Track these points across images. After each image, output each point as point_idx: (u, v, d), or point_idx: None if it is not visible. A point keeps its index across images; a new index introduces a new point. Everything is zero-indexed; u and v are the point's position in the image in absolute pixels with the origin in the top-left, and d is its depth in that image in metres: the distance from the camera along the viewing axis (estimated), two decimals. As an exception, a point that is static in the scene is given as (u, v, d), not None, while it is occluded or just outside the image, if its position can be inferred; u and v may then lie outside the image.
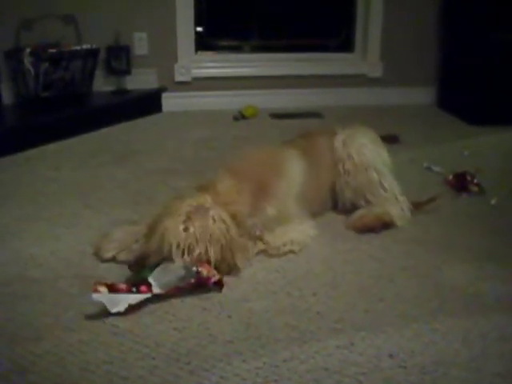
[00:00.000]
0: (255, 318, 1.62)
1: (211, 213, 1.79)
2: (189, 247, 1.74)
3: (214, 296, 1.71)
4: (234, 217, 1.85)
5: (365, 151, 2.29)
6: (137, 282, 1.67)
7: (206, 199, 1.83)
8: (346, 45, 4.33)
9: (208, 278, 1.71)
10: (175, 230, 1.74)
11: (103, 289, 1.60)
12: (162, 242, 1.74)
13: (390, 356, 1.47)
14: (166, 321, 1.59)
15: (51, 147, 3.16)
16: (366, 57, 4.25)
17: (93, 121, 3.51)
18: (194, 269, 1.70)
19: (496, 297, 1.76)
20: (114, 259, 1.92)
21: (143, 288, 1.65)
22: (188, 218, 1.76)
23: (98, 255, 1.94)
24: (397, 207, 2.25)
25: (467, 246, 2.10)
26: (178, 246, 1.73)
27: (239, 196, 1.92)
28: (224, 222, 1.81)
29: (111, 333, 1.54)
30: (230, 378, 1.37)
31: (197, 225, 1.76)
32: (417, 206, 2.33)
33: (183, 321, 1.60)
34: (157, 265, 1.73)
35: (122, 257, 1.91)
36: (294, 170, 2.15)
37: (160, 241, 1.75)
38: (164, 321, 1.59)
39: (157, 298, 1.66)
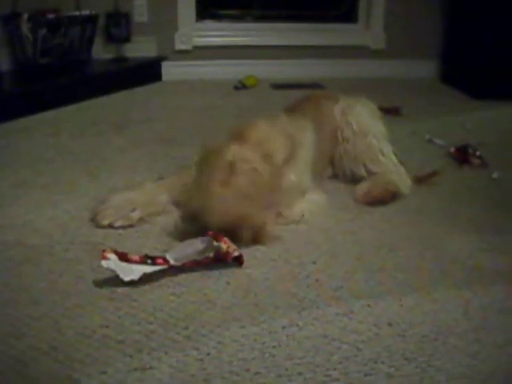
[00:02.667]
0: (254, 285, 1.60)
1: (254, 165, 1.76)
2: (232, 202, 1.70)
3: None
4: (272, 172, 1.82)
5: (363, 119, 2.29)
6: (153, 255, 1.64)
7: (247, 149, 1.79)
8: (349, 15, 4.28)
9: (227, 253, 1.66)
10: (215, 187, 1.71)
11: (113, 256, 1.56)
12: (204, 200, 1.72)
13: (390, 324, 1.46)
14: (164, 286, 1.57)
15: (50, 114, 3.13)
16: (369, 28, 4.20)
17: (92, 89, 3.48)
18: (214, 243, 1.65)
19: (496, 269, 1.75)
20: (110, 226, 1.90)
21: (159, 260, 1.60)
22: (231, 171, 1.72)
23: (94, 222, 1.92)
24: (397, 175, 2.24)
25: (468, 217, 2.08)
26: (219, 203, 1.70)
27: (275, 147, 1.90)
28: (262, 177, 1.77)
29: (108, 298, 1.52)
30: (228, 343, 1.36)
31: (241, 179, 1.72)
32: (418, 180, 2.31)
33: (181, 286, 1.58)
34: None
35: (119, 223, 1.89)
36: (309, 141, 2.13)
37: (202, 199, 1.72)
38: (162, 286, 1.57)
39: (173, 271, 1.62)
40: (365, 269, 1.71)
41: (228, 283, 1.61)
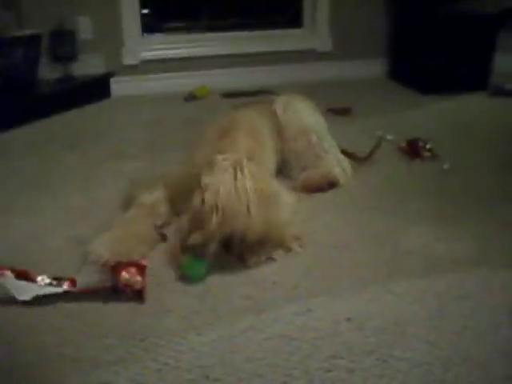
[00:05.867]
0: (211, 291, 1.59)
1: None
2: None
3: (170, 271, 1.68)
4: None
5: (303, 116, 2.38)
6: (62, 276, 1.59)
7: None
8: (294, 20, 4.30)
9: (126, 285, 1.55)
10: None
11: (9, 273, 1.53)
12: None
13: (348, 319, 1.46)
14: (120, 299, 1.55)
15: (-3, 137, 3.07)
16: (315, 32, 4.23)
17: (40, 110, 3.40)
18: (112, 275, 1.56)
19: (450, 257, 1.78)
20: None
21: (66, 283, 1.56)
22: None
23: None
24: (338, 167, 2.34)
25: (421, 209, 2.11)
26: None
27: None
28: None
29: (63, 316, 1.49)
30: (186, 351, 1.35)
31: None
32: (360, 161, 2.47)
33: (137, 298, 1.56)
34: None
35: None
36: (269, 141, 2.21)
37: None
38: (117, 299, 1.55)
39: (68, 296, 1.55)
40: (321, 267, 1.72)
41: (184, 291, 1.59)
